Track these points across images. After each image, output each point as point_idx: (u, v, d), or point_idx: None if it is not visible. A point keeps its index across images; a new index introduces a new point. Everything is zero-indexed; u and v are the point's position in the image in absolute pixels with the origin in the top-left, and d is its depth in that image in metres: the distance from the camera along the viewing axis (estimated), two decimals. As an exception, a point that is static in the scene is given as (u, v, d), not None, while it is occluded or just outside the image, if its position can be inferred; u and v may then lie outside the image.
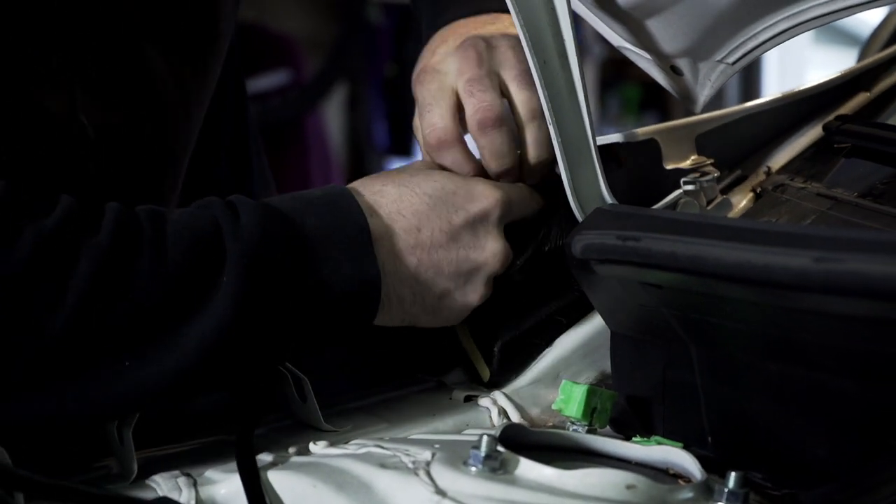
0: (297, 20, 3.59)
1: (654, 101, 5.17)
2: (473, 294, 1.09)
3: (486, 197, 1.10)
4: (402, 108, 4.17)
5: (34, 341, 0.92)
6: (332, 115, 4.05)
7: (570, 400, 1.04)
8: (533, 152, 1.13)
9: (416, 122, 1.17)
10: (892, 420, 0.87)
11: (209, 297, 0.96)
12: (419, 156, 1.20)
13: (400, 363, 1.19)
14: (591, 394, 1.03)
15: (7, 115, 1.05)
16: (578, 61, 1.09)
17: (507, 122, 1.13)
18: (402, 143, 4.43)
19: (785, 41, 1.06)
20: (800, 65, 5.43)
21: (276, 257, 0.99)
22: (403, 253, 1.06)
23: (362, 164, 4.25)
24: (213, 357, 0.97)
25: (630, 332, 1.08)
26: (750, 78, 5.20)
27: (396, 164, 4.18)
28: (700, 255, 0.90)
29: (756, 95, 5.37)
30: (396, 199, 1.07)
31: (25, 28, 1.06)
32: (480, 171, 1.14)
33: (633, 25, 1.13)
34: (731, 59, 1.11)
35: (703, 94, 1.17)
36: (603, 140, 1.16)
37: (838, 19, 1.03)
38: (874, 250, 0.80)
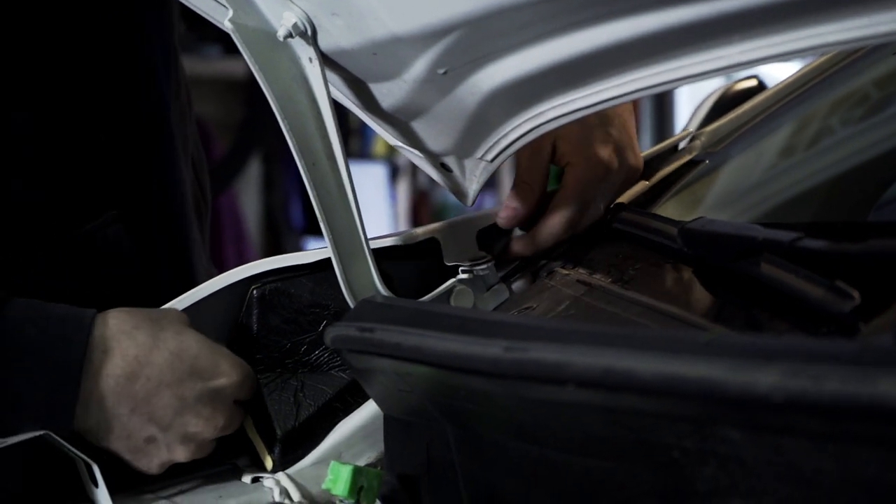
0: (208, 104, 3.67)
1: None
2: (181, 451, 1.15)
3: (227, 374, 1.16)
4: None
5: None
6: (248, 195, 4.10)
7: (337, 479, 1.11)
8: None
9: None
10: (612, 494, 0.94)
11: None
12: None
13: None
14: (357, 473, 1.11)
15: None
16: (345, 162, 1.16)
17: None
18: (317, 222, 4.46)
19: (534, 137, 1.13)
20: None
21: None
22: (121, 394, 1.11)
23: (279, 243, 4.29)
24: None
25: (398, 414, 1.14)
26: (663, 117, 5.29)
27: (312, 243, 4.23)
28: (419, 345, 0.97)
29: (669, 131, 5.44)
30: (142, 345, 1.12)
31: None
32: None
33: (402, 127, 1.20)
34: (490, 157, 1.17)
35: (472, 188, 1.24)
36: (383, 242, 1.24)
37: (576, 118, 1.10)
38: (555, 339, 0.87)
